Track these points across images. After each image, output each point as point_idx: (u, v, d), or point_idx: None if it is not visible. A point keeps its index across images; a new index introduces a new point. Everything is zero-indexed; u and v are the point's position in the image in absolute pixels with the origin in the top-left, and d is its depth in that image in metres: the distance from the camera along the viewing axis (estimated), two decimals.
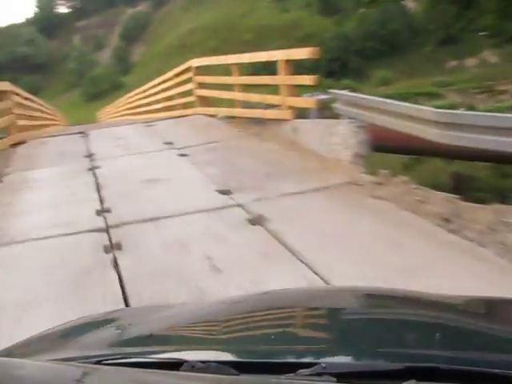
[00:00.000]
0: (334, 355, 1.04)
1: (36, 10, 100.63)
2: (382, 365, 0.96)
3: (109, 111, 36.50)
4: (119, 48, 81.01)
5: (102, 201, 6.33)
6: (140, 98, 20.83)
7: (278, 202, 5.67)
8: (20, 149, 10.43)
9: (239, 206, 5.68)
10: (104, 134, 11.32)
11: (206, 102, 12.66)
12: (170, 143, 9.22)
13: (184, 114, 13.24)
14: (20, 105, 13.13)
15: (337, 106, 9.24)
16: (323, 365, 0.93)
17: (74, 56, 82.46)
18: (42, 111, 18.59)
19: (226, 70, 11.23)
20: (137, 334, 1.43)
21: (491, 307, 1.47)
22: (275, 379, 0.93)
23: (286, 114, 8.61)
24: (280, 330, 1.29)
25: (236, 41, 68.66)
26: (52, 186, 7.30)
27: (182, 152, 8.39)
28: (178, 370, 0.98)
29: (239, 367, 0.97)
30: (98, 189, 6.87)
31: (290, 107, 8.54)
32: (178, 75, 13.94)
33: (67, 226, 5.48)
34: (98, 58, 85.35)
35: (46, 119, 19.61)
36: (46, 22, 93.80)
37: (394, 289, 1.77)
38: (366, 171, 6.44)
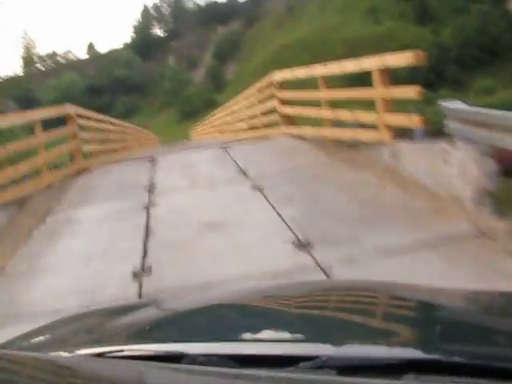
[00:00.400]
0: (334, 349, 1.02)
1: (133, 35, 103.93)
2: (382, 358, 0.95)
3: (199, 130, 35.95)
4: (212, 66, 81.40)
5: (144, 255, 4.95)
6: (224, 116, 19.77)
7: (376, 265, 4.01)
8: (81, 179, 9.48)
9: (321, 269, 4.10)
10: (174, 160, 10.10)
11: (290, 120, 11.17)
12: (245, 172, 7.84)
13: (266, 134, 11.85)
14: (89, 128, 12.21)
15: (450, 123, 7.35)
16: (324, 358, 0.94)
17: (168, 76, 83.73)
18: (122, 132, 17.82)
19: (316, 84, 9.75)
20: (138, 326, 1.41)
21: (490, 300, 1.45)
22: (275, 372, 0.93)
23: (383, 135, 6.89)
24: (281, 323, 1.27)
25: (328, 55, 66.50)
26: (95, 230, 6.05)
27: (257, 184, 6.84)
28: (179, 362, 1.00)
29: (240, 360, 0.99)
30: (146, 235, 5.51)
31: (389, 127, 6.74)
32: (260, 91, 12.39)
33: (88, 295, 4.14)
34: (192, 77, 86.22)
35: (127, 141, 18.81)
36: (142, 45, 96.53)
37: (395, 282, 1.72)
38: (497, 215, 4.62)
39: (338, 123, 8.45)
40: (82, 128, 11.27)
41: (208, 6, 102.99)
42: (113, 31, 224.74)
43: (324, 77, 8.56)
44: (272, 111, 11.73)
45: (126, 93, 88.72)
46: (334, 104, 8.79)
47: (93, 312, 1.79)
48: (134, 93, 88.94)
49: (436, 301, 1.43)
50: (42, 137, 8.93)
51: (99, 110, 74.62)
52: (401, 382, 0.89)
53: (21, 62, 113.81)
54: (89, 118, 12.67)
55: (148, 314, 1.57)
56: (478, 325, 1.21)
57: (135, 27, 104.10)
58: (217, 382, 0.91)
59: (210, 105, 71.19)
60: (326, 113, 8.59)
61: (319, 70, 8.68)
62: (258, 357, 1.02)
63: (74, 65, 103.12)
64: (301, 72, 9.97)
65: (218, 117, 21.73)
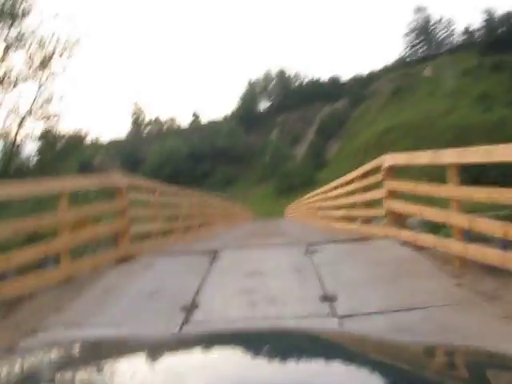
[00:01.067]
0: None
1: (236, 106, 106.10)
2: None
3: (293, 208, 34.40)
4: (315, 143, 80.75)
5: None
6: (319, 200, 17.86)
7: None
8: (112, 274, 7.43)
9: None
10: (241, 261, 7.87)
11: (399, 219, 8.78)
12: (332, 303, 5.18)
13: (366, 233, 9.71)
14: (151, 203, 10.89)
15: None
16: None
17: (270, 149, 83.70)
18: (204, 207, 16.30)
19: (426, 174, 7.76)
20: (68, 369, 1.33)
21: (426, 352, 1.44)
22: None
23: None
24: (231, 370, 1.20)
25: (435, 140, 64.29)
26: None
27: (349, 326, 4.50)
28: None
29: None
30: None
31: None
32: (364, 176, 10.61)
33: None
34: (293, 152, 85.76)
35: (211, 216, 17.23)
36: (245, 117, 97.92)
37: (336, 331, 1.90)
38: None
39: (473, 235, 6.22)
40: (141, 203, 10.02)
41: (312, 83, 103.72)
42: (216, 102, 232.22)
43: (457, 166, 6.39)
44: (378, 202, 9.66)
45: (226, 162, 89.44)
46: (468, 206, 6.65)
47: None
48: (234, 163, 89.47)
49: (387, 355, 1.38)
50: (65, 213, 6.91)
51: (199, 177, 74.95)
52: None
53: (128, 125, 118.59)
54: (152, 191, 11.23)
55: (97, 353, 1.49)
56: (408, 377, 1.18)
57: (240, 99, 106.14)
58: None
59: (308, 182, 69.99)
60: (456, 217, 6.33)
61: (451, 155, 6.31)
62: None
63: (178, 131, 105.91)
64: (422, 157, 7.69)
65: (314, 200, 20.62)
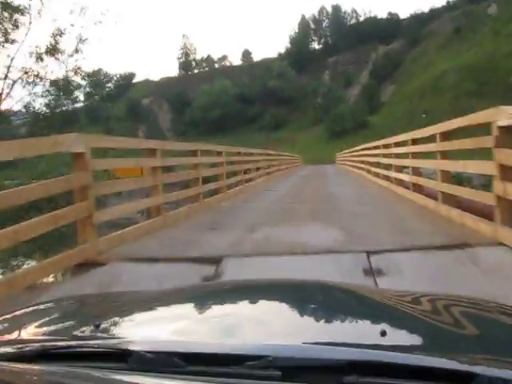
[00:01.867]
0: (281, 349, 1.04)
1: (288, 45, 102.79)
2: (325, 359, 0.99)
3: (344, 156, 32.83)
4: (368, 86, 77.92)
5: None
6: (378, 155, 14.36)
7: None
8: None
9: None
10: (252, 269, 4.63)
11: None
12: None
13: (458, 228, 5.91)
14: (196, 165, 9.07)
15: None
16: (270, 358, 0.97)
17: (321, 91, 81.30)
18: (240, 162, 13.80)
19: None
20: (85, 321, 1.38)
21: (439, 304, 1.51)
22: (221, 370, 0.98)
23: None
24: (231, 322, 1.29)
25: (499, 84, 61.40)
26: None
27: None
28: (126, 360, 1.02)
29: (188, 358, 1.01)
30: None
31: None
32: (447, 135, 7.09)
33: None
34: (346, 95, 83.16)
35: (251, 171, 15.01)
36: (297, 57, 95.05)
37: (352, 284, 1.86)
38: None
39: None
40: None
41: (368, 21, 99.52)
42: (268, 39, 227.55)
43: None
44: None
45: (276, 104, 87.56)
46: None
47: (38, 307, 1.68)
48: (285, 105, 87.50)
49: (385, 303, 1.49)
50: None
51: (248, 119, 73.49)
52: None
53: (177, 65, 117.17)
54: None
55: (96, 308, 1.58)
56: (421, 328, 1.23)
57: (291, 38, 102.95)
58: (160, 382, 0.97)
59: (362, 126, 67.84)
60: None
61: None
62: (204, 355, 1.03)
63: (228, 71, 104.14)
64: None
65: (371, 153, 16.43)
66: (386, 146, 12.50)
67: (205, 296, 1.63)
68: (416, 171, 9.12)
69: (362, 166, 18.91)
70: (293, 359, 0.99)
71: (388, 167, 11.99)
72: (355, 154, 23.24)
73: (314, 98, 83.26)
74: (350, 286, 1.80)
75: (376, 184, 13.56)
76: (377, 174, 14.21)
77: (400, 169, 10.65)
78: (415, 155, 9.06)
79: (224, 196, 10.69)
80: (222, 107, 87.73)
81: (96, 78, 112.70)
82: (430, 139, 7.88)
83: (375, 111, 72.60)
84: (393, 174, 11.14)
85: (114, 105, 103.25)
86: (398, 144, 10.91)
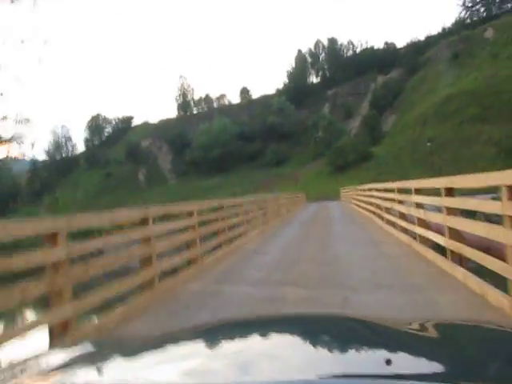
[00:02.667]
0: None
1: (286, 81, 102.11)
2: None
3: (349, 194, 31.24)
4: (369, 117, 76.42)
5: None
6: (389, 199, 12.40)
7: None
8: None
9: None
10: None
11: None
12: None
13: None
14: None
15: None
16: None
17: (322, 125, 80.00)
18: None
19: None
20: (94, 367, 1.34)
21: (446, 331, 1.51)
22: None
23: None
24: (244, 358, 1.27)
25: (502, 107, 59.85)
26: None
27: None
28: None
29: None
30: None
31: None
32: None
33: None
34: (347, 127, 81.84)
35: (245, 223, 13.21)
36: (296, 92, 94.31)
37: (366, 315, 1.88)
38: None
39: None
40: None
41: (365, 52, 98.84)
42: (266, 76, 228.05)
43: None
44: None
45: (276, 140, 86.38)
46: None
47: (63, 349, 1.67)
48: (285, 141, 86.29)
49: (391, 332, 1.48)
50: None
51: (249, 156, 71.82)
52: None
53: (175, 106, 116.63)
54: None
55: (114, 351, 1.52)
56: (428, 356, 1.22)
57: (289, 73, 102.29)
58: None
59: (365, 158, 66.19)
60: None
61: None
62: None
63: (227, 109, 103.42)
64: None
65: (379, 195, 14.59)
66: (402, 191, 10.14)
67: (215, 334, 1.59)
68: (455, 234, 6.41)
69: (371, 208, 17.04)
70: None
71: (404, 217, 10.03)
72: (362, 193, 21.31)
73: (314, 131, 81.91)
74: (360, 317, 1.86)
75: (392, 237, 10.99)
76: (391, 223, 11.97)
77: (425, 223, 8.18)
78: (451, 211, 6.46)
79: (197, 269, 8.20)
80: (222, 146, 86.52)
81: (94, 124, 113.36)
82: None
83: (377, 142, 71.00)
84: (417, 230, 8.54)
85: (113, 148, 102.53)
86: (419, 191, 8.55)
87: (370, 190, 17.62)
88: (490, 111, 60.35)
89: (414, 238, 8.96)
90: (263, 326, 1.65)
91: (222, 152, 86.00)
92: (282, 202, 24.17)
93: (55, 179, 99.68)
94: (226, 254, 10.12)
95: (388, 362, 1.06)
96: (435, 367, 1.13)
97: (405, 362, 1.17)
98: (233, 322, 1.90)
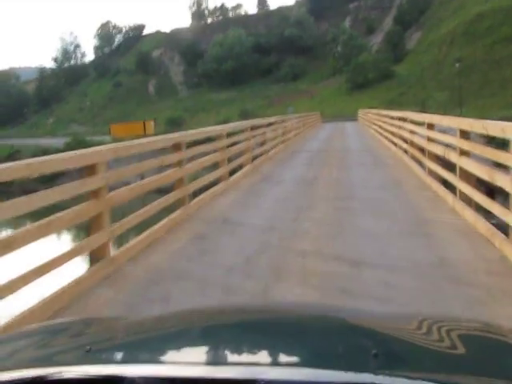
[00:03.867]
0: (273, 372, 1.05)
1: None
2: (317, 382, 1.01)
3: (370, 117, 28.23)
4: (392, 33, 72.14)
5: None
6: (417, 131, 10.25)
7: None
8: None
9: None
10: None
11: None
12: None
13: None
14: None
15: None
16: (262, 382, 0.98)
17: (342, 39, 75.81)
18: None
19: None
20: (75, 347, 1.38)
21: (431, 326, 1.50)
22: None
23: None
24: (224, 345, 1.28)
25: None
26: None
27: None
28: None
29: (179, 383, 1.02)
30: None
31: None
32: None
33: None
34: (368, 43, 77.53)
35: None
36: (316, 4, 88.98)
37: (351, 308, 2.10)
38: None
39: None
40: None
41: None
42: None
43: None
44: None
45: (293, 54, 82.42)
46: None
47: (29, 331, 1.70)
48: (303, 55, 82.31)
49: (377, 326, 1.47)
50: None
51: (264, 70, 68.23)
52: None
53: (189, 15, 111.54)
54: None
55: (87, 334, 1.56)
56: (413, 350, 1.25)
57: None
58: None
59: (386, 77, 62.80)
60: None
61: None
62: (195, 379, 1.04)
63: (243, 20, 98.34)
64: None
65: (418, 132, 10.40)
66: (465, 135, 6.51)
67: (197, 321, 1.61)
68: None
69: (398, 142, 13.49)
70: (285, 382, 0.99)
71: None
72: (387, 120, 17.32)
73: (333, 46, 77.79)
74: (344, 309, 1.91)
75: (446, 206, 7.19)
76: (443, 181, 8.06)
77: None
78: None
79: (182, 214, 7.15)
80: (236, 58, 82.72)
81: (104, 31, 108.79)
82: None
83: (400, 60, 67.21)
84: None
85: (124, 58, 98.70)
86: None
87: (400, 119, 13.25)
88: None
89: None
90: (244, 315, 1.63)
91: (236, 65, 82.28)
92: (290, 126, 21.01)
93: (63, 88, 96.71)
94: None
95: (375, 355, 1.07)
96: (422, 362, 1.15)
97: (392, 356, 1.18)
98: (215, 310, 1.87)
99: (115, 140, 45.13)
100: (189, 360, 1.17)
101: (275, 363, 1.12)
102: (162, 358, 1.22)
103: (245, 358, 1.21)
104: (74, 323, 1.80)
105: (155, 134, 47.54)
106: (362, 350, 1.19)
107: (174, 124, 59.55)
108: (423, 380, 0.99)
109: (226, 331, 1.43)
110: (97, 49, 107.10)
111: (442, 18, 71.64)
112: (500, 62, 54.41)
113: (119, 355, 1.28)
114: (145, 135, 47.55)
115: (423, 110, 40.95)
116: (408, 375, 1.02)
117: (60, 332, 1.58)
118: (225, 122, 50.47)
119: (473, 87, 49.12)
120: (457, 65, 43.35)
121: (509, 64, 54.19)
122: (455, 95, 49.62)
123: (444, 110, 42.19)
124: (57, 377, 1.07)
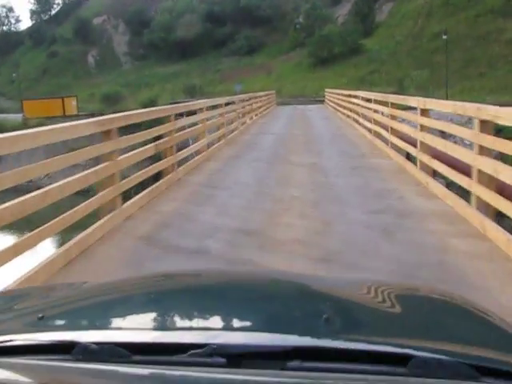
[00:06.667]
0: (226, 337, 1.08)
1: None
2: (270, 346, 1.03)
3: (340, 99, 20.85)
4: (361, 3, 63.95)
5: None
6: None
7: None
8: None
9: None
10: None
11: None
12: None
13: None
14: None
15: None
16: (214, 346, 0.99)
17: (304, 9, 67.57)
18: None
19: None
20: (28, 314, 1.37)
21: (382, 291, 1.56)
22: (165, 359, 1.00)
23: None
24: (177, 311, 1.33)
25: None
26: None
27: None
28: (70, 352, 1.03)
29: (132, 348, 1.03)
30: None
31: None
32: None
33: None
34: (334, 14, 69.47)
35: None
36: None
37: (305, 274, 2.13)
38: None
39: None
40: None
41: None
42: None
43: None
44: None
45: (250, 25, 74.04)
46: None
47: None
48: (261, 26, 73.90)
49: (330, 292, 1.52)
50: None
51: (218, 42, 58.51)
52: (284, 371, 0.97)
53: None
54: None
55: (39, 301, 1.54)
56: (363, 314, 1.32)
57: None
58: (104, 373, 0.98)
59: (354, 51, 54.92)
60: None
61: None
62: (149, 345, 1.05)
63: None
64: None
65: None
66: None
67: (152, 286, 1.61)
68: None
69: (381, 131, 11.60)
70: (237, 346, 1.02)
71: None
72: (367, 104, 13.74)
73: (294, 17, 69.66)
74: (297, 275, 1.96)
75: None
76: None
77: None
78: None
79: None
80: (187, 27, 73.80)
81: None
82: None
83: (370, 34, 59.43)
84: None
85: (63, 26, 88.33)
86: None
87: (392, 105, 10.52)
88: None
89: None
90: (198, 281, 1.65)
91: (186, 34, 73.29)
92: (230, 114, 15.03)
93: None
94: None
95: (326, 320, 1.11)
96: (372, 325, 1.22)
97: (343, 320, 1.24)
98: (171, 276, 1.86)
99: (26, 121, 39.03)
100: (141, 326, 1.18)
101: (227, 328, 1.15)
102: (115, 324, 1.22)
103: (197, 323, 1.23)
104: (29, 290, 1.85)
105: (78, 114, 41.07)
106: (314, 315, 1.21)
107: (111, 101, 52.08)
108: (372, 343, 1.04)
109: (180, 296, 1.44)
110: (33, 14, 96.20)
111: None
112: (486, 38, 47.44)
113: (72, 322, 1.26)
114: (64, 116, 40.73)
115: (400, 92, 34.37)
116: (358, 338, 1.08)
117: (14, 300, 1.56)
118: (152, 101, 43.75)
119: (456, 65, 41.79)
120: (444, 37, 35.62)
121: (496, 40, 47.33)
122: (436, 74, 42.50)
123: (425, 92, 35.30)
124: (8, 344, 1.07)
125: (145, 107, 23.07)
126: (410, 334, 1.17)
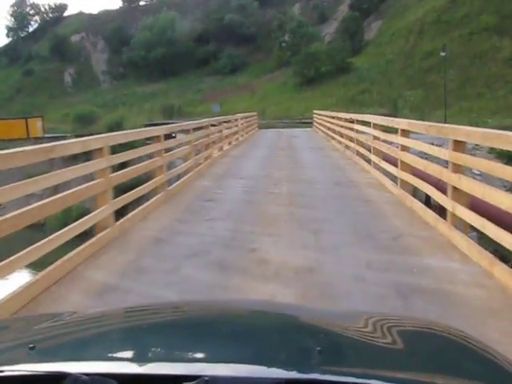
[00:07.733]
0: (218, 369, 1.08)
1: None
2: (262, 378, 1.03)
3: (324, 120, 17.70)
4: (349, 20, 61.30)
5: None
6: None
7: None
8: None
9: None
10: None
11: None
12: None
13: None
14: None
15: None
16: (206, 378, 0.99)
17: (289, 27, 64.87)
18: None
19: None
20: (19, 345, 1.36)
21: (376, 324, 1.55)
22: None
23: None
24: (170, 342, 1.32)
25: None
26: None
27: None
28: (61, 383, 1.03)
29: (123, 380, 1.02)
30: None
31: None
32: None
33: None
34: (320, 33, 66.83)
35: None
36: None
37: (292, 304, 2.18)
38: None
39: None
40: None
41: None
42: None
43: None
44: None
45: (234, 43, 71.30)
46: None
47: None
48: (245, 45, 71.25)
49: (323, 323, 1.50)
50: None
51: (200, 60, 54.81)
52: None
53: None
54: None
55: (31, 330, 1.53)
56: (357, 346, 1.30)
57: None
58: None
59: (342, 70, 51.95)
60: None
61: None
62: (141, 376, 1.05)
63: (178, 3, 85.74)
64: None
65: None
66: None
67: (143, 317, 1.61)
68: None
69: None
70: (230, 378, 1.02)
71: None
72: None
73: (280, 35, 66.90)
74: (291, 307, 1.98)
75: None
76: None
77: None
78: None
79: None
80: (168, 45, 70.95)
81: (19, 10, 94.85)
82: None
83: (358, 52, 56.74)
84: None
85: (40, 43, 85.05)
86: None
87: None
88: (510, 20, 46.30)
89: None
90: (191, 312, 1.64)
91: (167, 52, 70.39)
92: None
93: None
94: None
95: (320, 352, 1.10)
96: (366, 358, 1.20)
97: (336, 353, 1.23)
98: (163, 307, 1.87)
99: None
100: (132, 357, 1.18)
101: (220, 360, 1.13)
102: (106, 355, 1.21)
103: (189, 354, 1.20)
104: (19, 320, 1.85)
105: (43, 137, 37.99)
106: (307, 347, 1.21)
107: (85, 121, 49.09)
108: (366, 376, 1.03)
109: (171, 328, 1.43)
110: (9, 30, 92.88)
111: (407, 4, 61.53)
112: (482, 57, 44.86)
113: (63, 352, 1.25)
114: (28, 138, 37.60)
115: (394, 114, 31.53)
116: (351, 371, 1.07)
117: (4, 329, 1.56)
118: (117, 124, 40.85)
119: (451, 85, 38.89)
120: (442, 53, 32.62)
121: (493, 59, 44.75)
122: (431, 94, 39.68)
123: (421, 114, 32.47)
124: (0, 374, 1.07)
125: (111, 130, 20.83)
126: (404, 368, 1.14)
